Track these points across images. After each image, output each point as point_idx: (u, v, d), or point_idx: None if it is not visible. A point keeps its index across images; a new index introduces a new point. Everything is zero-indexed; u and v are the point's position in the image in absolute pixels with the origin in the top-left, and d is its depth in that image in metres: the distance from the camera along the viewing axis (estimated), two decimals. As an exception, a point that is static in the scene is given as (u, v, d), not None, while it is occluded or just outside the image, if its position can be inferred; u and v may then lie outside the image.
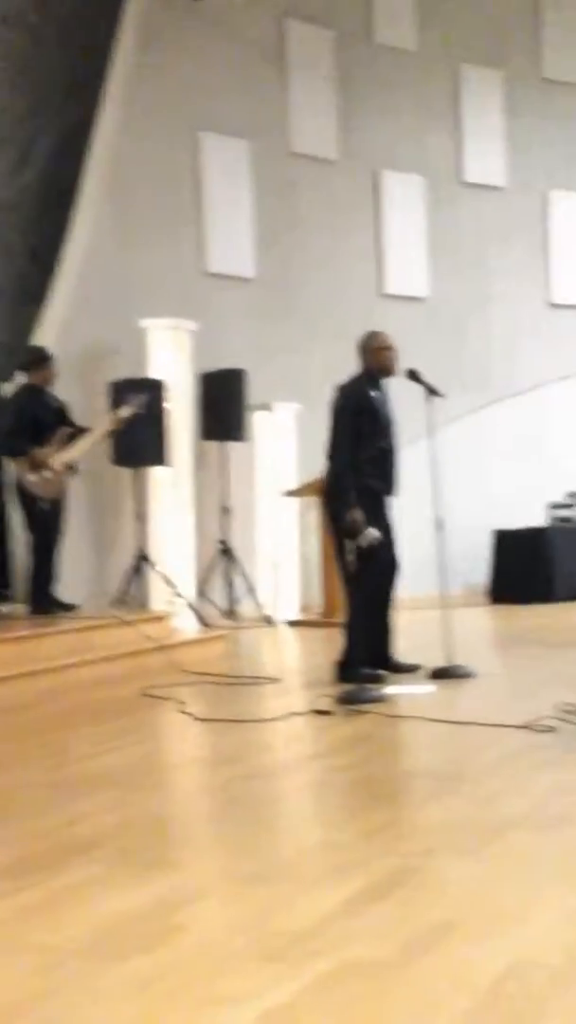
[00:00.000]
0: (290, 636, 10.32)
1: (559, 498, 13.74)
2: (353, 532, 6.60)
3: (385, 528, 6.93)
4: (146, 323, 10.74)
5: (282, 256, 12.79)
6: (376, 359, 7.07)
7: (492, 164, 14.49)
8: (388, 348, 7.10)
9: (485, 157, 14.43)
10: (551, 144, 14.89)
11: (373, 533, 6.59)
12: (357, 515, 6.60)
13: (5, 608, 8.81)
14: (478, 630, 10.19)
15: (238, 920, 2.82)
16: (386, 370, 7.08)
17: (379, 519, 6.88)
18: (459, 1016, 2.19)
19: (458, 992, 2.30)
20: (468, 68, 14.35)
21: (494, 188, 14.51)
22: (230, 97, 12.41)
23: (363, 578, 6.71)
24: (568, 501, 13.57)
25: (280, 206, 12.84)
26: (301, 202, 13.04)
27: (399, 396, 7.30)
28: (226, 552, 11.09)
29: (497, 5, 14.60)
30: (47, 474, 8.26)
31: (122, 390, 9.73)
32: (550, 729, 5.05)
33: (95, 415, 9.44)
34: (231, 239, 12.30)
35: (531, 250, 14.74)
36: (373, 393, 6.98)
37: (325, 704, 5.84)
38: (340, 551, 6.75)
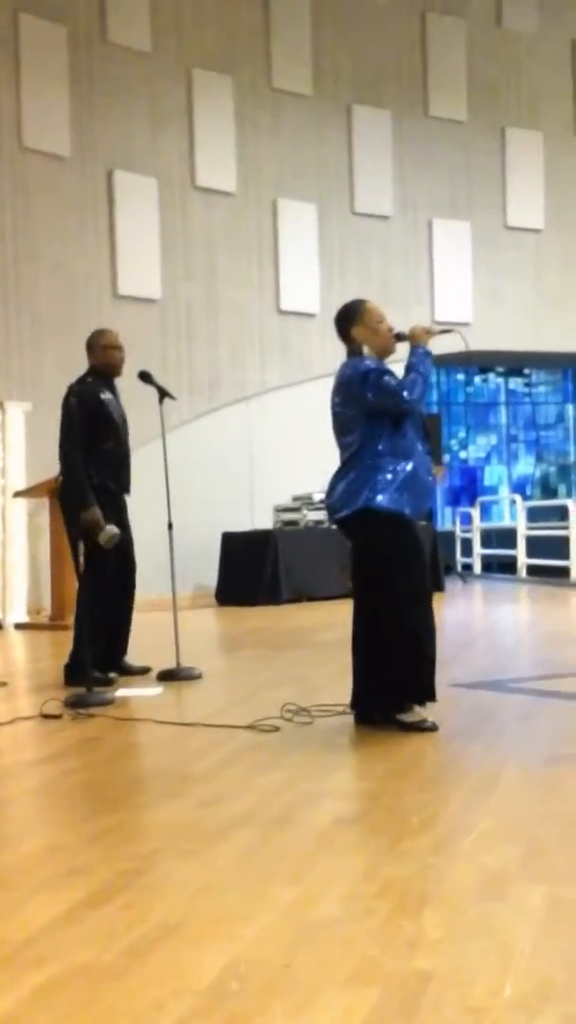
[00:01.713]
0: (18, 639, 10.16)
1: (285, 501, 14.03)
2: (93, 531, 6.56)
3: (122, 528, 6.94)
4: None
5: (14, 252, 12.59)
6: (103, 357, 7.06)
7: (223, 170, 14.67)
8: (114, 347, 7.09)
9: (217, 163, 14.61)
10: (279, 153, 15.21)
11: (113, 530, 6.58)
12: (95, 514, 6.57)
13: None
14: (205, 631, 10.31)
15: (-40, 932, 2.77)
16: (113, 369, 7.07)
17: (116, 516, 6.87)
18: (181, 1017, 2.23)
19: (180, 994, 2.34)
20: (200, 73, 14.49)
21: (225, 194, 14.69)
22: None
23: (94, 580, 6.68)
24: (294, 505, 13.87)
25: (12, 201, 12.63)
26: (34, 197, 12.87)
27: (132, 397, 7.32)
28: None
29: (228, 13, 14.80)
30: None
31: None
32: (274, 729, 5.17)
33: None
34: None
35: (261, 257, 15.00)
36: (103, 392, 6.95)
37: (53, 708, 5.80)
38: (75, 553, 6.69)
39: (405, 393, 5.00)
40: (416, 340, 5.17)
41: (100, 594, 6.77)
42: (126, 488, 7.06)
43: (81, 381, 6.96)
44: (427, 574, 5.29)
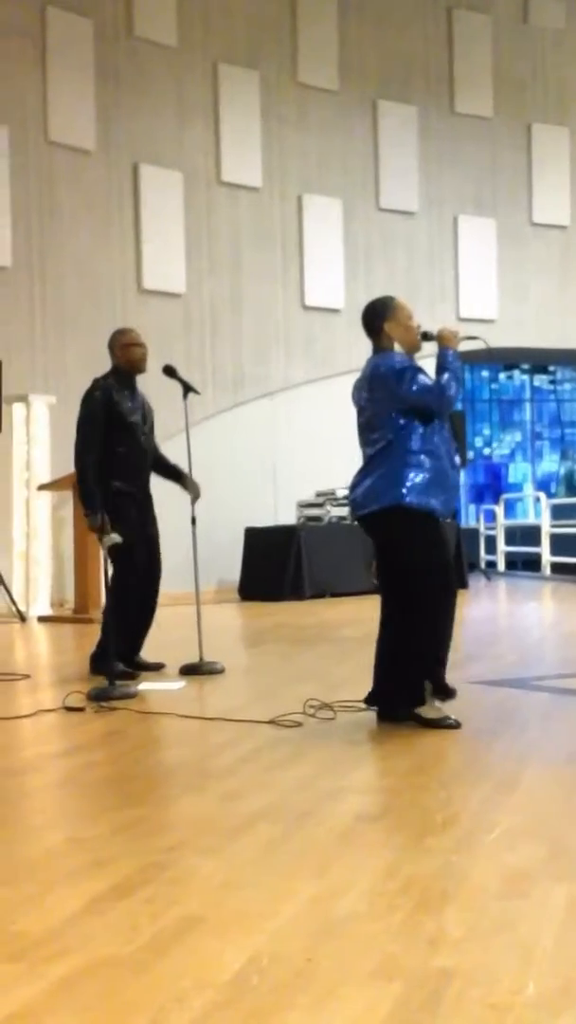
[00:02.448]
0: (42, 632, 10.19)
1: (309, 497, 14.02)
2: (98, 534, 6.56)
3: (143, 524, 6.91)
4: None
5: (40, 245, 12.62)
6: (124, 356, 7.03)
7: (249, 165, 14.67)
8: (136, 345, 7.06)
9: (242, 157, 14.59)
10: (305, 148, 15.19)
11: (113, 538, 6.48)
12: (97, 520, 6.53)
13: None
14: (228, 626, 10.32)
15: (-18, 923, 2.78)
16: (135, 367, 7.04)
17: (139, 516, 6.86)
18: (203, 1010, 2.23)
19: (202, 987, 2.34)
20: (226, 68, 14.48)
21: (250, 189, 14.68)
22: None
23: (122, 574, 6.67)
24: (317, 500, 13.86)
25: (38, 194, 12.66)
26: (59, 191, 12.89)
27: (155, 392, 7.31)
28: (-25, 546, 10.86)
29: (254, 7, 14.78)
30: None
31: None
32: (296, 724, 5.17)
33: None
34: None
35: (285, 252, 14.98)
36: (117, 394, 6.91)
37: (76, 701, 5.81)
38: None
39: (444, 391, 4.98)
40: (444, 342, 5.14)
41: (127, 588, 6.75)
42: (140, 488, 6.99)
43: (100, 380, 6.97)
44: (452, 571, 5.26)
